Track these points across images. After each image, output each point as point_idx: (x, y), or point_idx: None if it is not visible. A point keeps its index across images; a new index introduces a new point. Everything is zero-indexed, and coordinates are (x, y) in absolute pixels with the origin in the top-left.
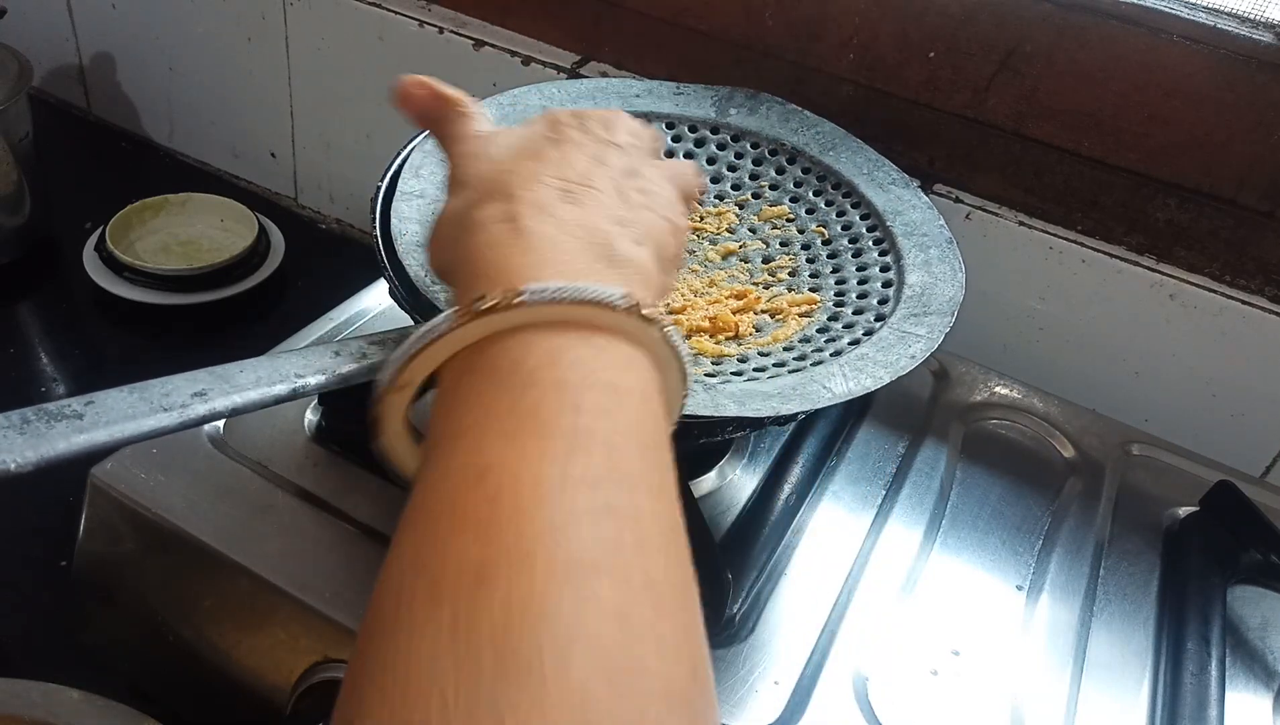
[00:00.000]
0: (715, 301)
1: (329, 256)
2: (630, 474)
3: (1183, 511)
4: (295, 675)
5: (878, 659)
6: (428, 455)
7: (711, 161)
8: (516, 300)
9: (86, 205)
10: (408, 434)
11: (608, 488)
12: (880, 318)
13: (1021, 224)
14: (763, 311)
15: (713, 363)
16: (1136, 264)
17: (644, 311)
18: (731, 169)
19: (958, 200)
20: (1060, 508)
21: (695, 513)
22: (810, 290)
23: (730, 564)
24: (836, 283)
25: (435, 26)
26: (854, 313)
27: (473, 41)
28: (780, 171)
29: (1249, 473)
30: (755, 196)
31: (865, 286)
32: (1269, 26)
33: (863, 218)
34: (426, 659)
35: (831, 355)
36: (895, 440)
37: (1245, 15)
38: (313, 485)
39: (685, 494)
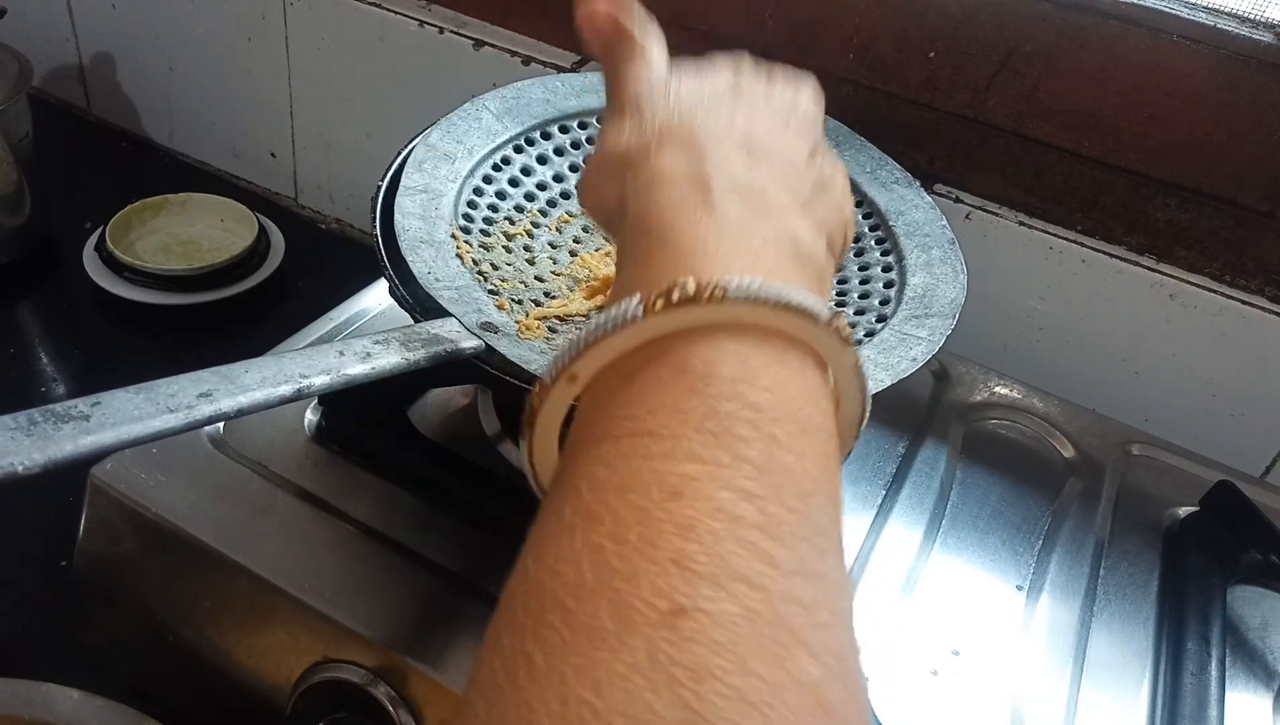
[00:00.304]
0: None
1: (329, 256)
2: (822, 531)
3: (1183, 511)
4: (295, 675)
5: (878, 659)
6: (590, 449)
7: None
8: (719, 294)
9: (86, 205)
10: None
11: (804, 547)
12: (882, 319)
13: (1021, 224)
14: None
15: None
16: (1136, 264)
17: (843, 331)
18: None
19: (958, 200)
20: (1060, 508)
21: None
22: None
23: None
24: (838, 283)
25: (435, 26)
26: (855, 313)
27: (473, 41)
28: None
29: (1249, 473)
30: None
31: (867, 287)
32: (1269, 26)
33: (865, 217)
34: (619, 693)
35: None
36: (895, 440)
37: (1245, 15)
38: (313, 485)
39: None
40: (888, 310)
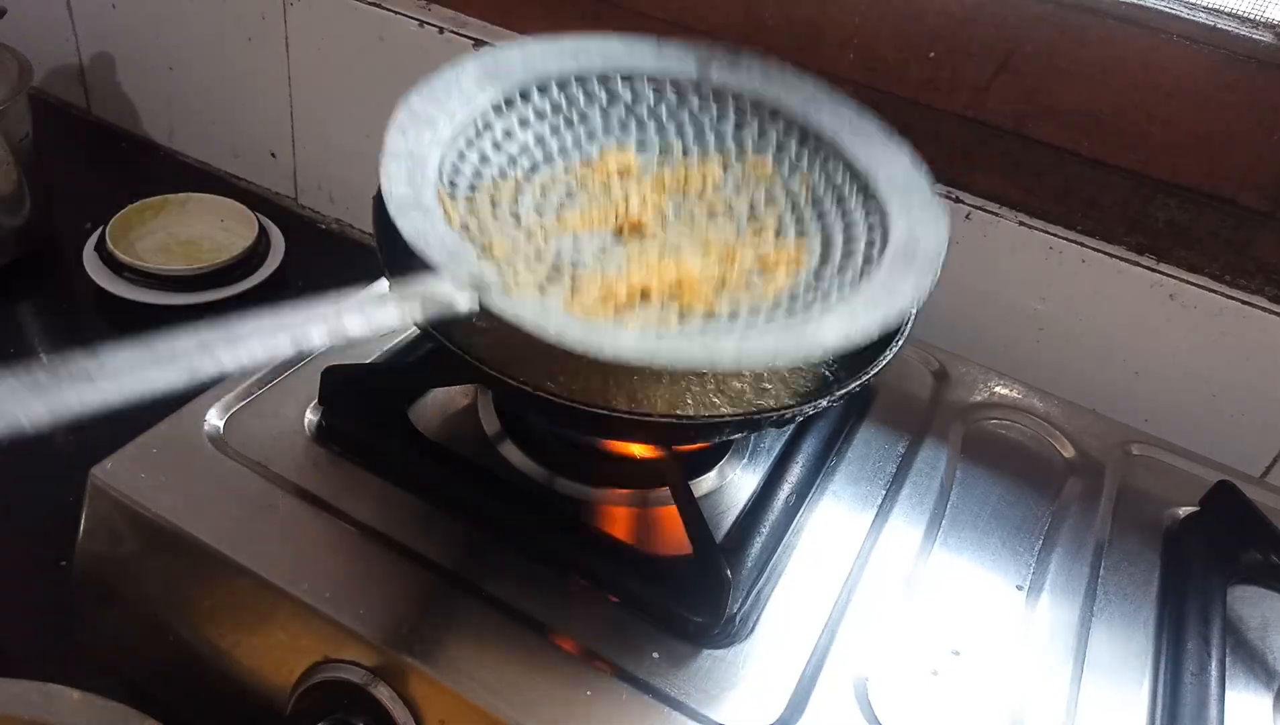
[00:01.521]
0: (693, 257)
1: (329, 256)
2: None
3: (1183, 511)
4: (295, 675)
5: (878, 659)
6: None
7: (694, 118)
8: None
9: (86, 205)
10: None
11: None
12: (866, 271)
13: (1021, 224)
14: (749, 267)
15: (703, 318)
16: (1136, 264)
17: None
18: (714, 126)
19: (958, 200)
20: (1060, 508)
21: (695, 512)
22: (798, 239)
23: (730, 564)
24: (822, 237)
25: (435, 26)
26: (840, 266)
27: (473, 41)
28: (762, 128)
29: (1249, 473)
30: (739, 153)
31: (850, 241)
32: (1269, 26)
33: (846, 172)
34: None
35: (820, 309)
36: (895, 440)
37: (1245, 15)
38: (313, 485)
39: (685, 494)
40: (871, 263)
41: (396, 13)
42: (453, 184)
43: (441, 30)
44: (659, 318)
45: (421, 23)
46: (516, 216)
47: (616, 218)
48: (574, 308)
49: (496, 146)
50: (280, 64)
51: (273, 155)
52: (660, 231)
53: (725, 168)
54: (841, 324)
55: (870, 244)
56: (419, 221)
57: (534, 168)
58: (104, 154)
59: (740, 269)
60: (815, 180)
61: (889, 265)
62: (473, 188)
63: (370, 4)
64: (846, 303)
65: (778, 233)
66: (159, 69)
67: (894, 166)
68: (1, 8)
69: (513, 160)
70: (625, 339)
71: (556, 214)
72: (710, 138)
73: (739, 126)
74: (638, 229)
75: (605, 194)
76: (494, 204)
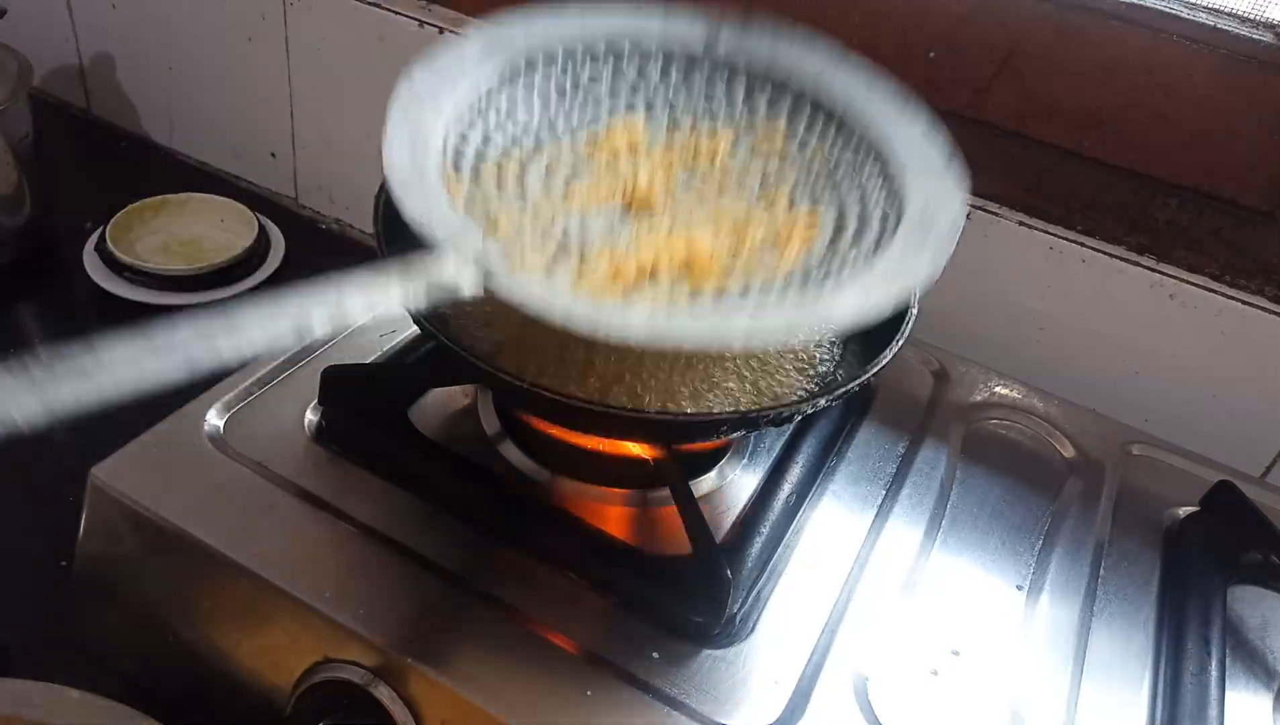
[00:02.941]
0: (703, 232)
1: (329, 256)
2: None
3: (1183, 511)
4: (295, 675)
5: (878, 659)
6: None
7: (703, 89)
8: None
9: (86, 205)
10: None
11: None
12: (880, 244)
13: (1021, 224)
14: (762, 242)
15: (714, 296)
16: (1136, 264)
17: None
18: (724, 96)
19: None
20: (1060, 508)
21: (695, 512)
22: (811, 209)
23: (730, 564)
24: (837, 209)
25: (435, 26)
26: (854, 237)
27: None
28: (773, 97)
29: (1249, 473)
30: (749, 124)
31: (865, 213)
32: (1269, 26)
33: (859, 142)
34: None
35: (833, 284)
36: (895, 440)
37: (1245, 15)
38: (313, 485)
39: (685, 494)
40: (886, 233)
41: (396, 13)
42: (457, 161)
43: (441, 30)
44: (669, 296)
45: (421, 23)
46: (522, 193)
47: (624, 193)
48: (581, 287)
49: (501, 122)
50: (280, 64)
51: (273, 155)
52: (670, 207)
53: (736, 139)
54: (855, 299)
55: (885, 216)
56: (422, 201)
57: (539, 143)
58: (104, 154)
59: (752, 244)
60: (829, 150)
61: (904, 238)
62: (477, 164)
63: (370, 4)
64: (860, 278)
65: (791, 206)
66: (159, 69)
67: (909, 135)
68: (2, 8)
69: (517, 136)
70: (634, 318)
71: (563, 190)
72: (720, 108)
73: (749, 96)
74: (646, 204)
75: (612, 168)
76: (499, 180)
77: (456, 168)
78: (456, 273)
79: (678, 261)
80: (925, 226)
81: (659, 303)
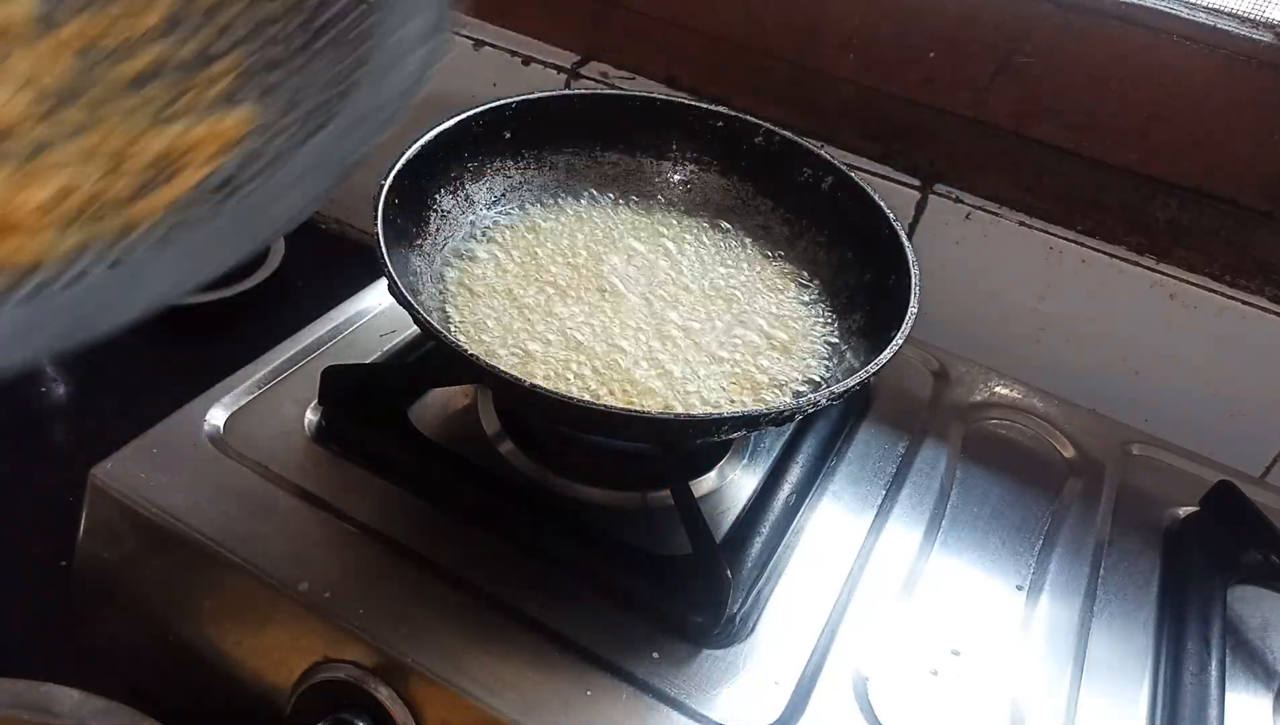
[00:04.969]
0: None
1: (329, 256)
2: None
3: (1183, 511)
4: (295, 675)
5: (878, 659)
6: None
7: None
8: None
9: None
10: None
11: None
12: (306, 139)
13: (1021, 224)
14: (145, 168)
15: (23, 279)
16: (1136, 264)
17: None
18: None
19: (958, 200)
20: (1060, 508)
21: (695, 512)
22: (261, 99)
23: (730, 564)
24: (292, 91)
25: None
26: (283, 138)
27: (473, 41)
28: None
29: (1249, 473)
30: None
31: (314, 93)
32: (1269, 26)
33: None
34: None
35: (174, 238)
36: (895, 440)
37: (1245, 15)
38: (313, 485)
39: (685, 494)
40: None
41: None
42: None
43: None
44: None
45: None
46: None
47: None
48: None
49: None
50: None
51: None
52: (36, 127)
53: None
54: (168, 274)
55: (336, 84)
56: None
57: None
58: None
59: (131, 175)
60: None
61: (334, 128)
62: None
63: None
64: (226, 210)
65: (231, 94)
66: None
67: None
68: None
69: None
70: None
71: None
72: None
73: None
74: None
75: None
76: None
77: None
78: None
79: None
80: (369, 101)
81: None
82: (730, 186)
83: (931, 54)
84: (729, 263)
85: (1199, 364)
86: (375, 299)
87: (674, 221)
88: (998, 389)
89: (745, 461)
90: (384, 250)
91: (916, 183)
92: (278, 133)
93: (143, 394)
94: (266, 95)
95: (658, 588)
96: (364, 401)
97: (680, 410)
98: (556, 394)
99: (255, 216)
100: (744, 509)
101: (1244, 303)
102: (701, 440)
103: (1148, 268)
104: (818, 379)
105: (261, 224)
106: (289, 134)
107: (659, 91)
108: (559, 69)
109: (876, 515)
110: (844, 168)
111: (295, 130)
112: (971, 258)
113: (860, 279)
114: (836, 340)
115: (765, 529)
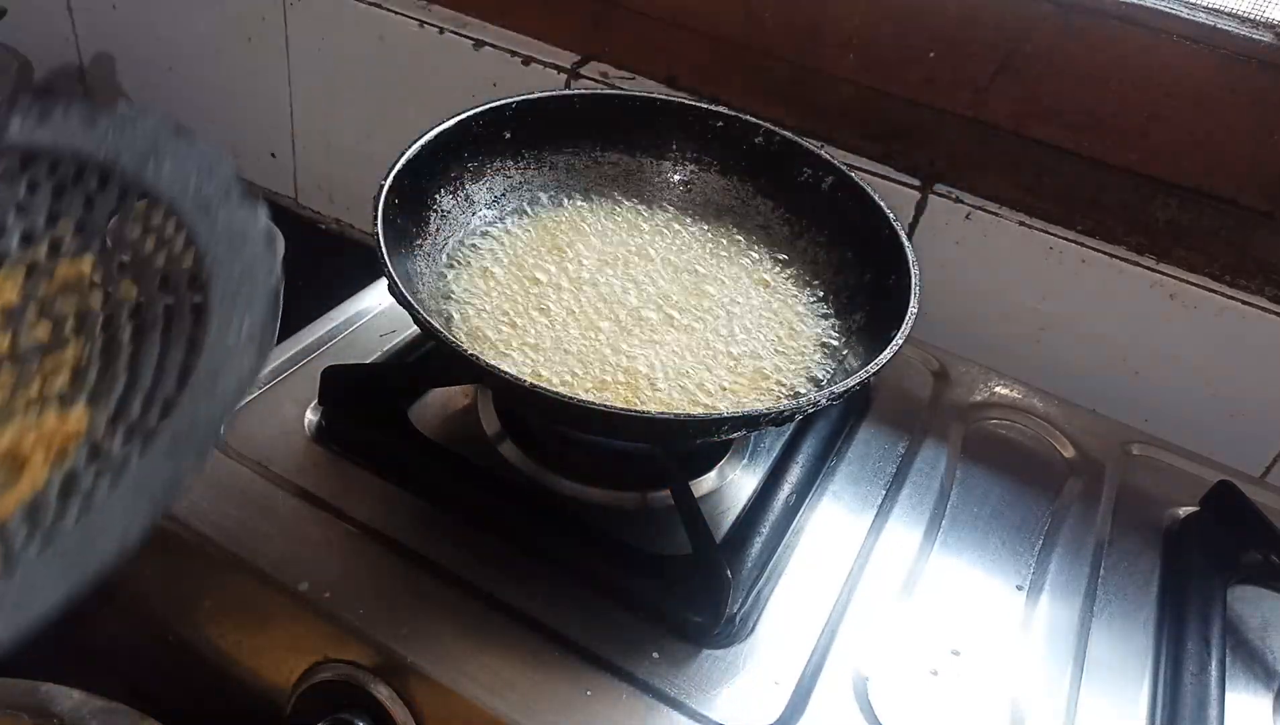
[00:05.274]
0: None
1: (329, 256)
2: None
3: (1183, 511)
4: (295, 675)
5: (878, 659)
6: None
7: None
8: None
9: None
10: None
11: None
12: (136, 455)
13: (1021, 224)
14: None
15: None
16: (1136, 264)
17: None
18: (21, 211)
19: (958, 200)
20: (1060, 508)
21: (695, 512)
22: (90, 403)
23: (730, 564)
24: (128, 381)
25: (435, 26)
26: (122, 441)
27: (473, 41)
28: (88, 204)
29: (1249, 473)
30: (52, 251)
31: (157, 386)
32: (1269, 26)
33: (187, 263)
34: None
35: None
36: (895, 440)
37: (1245, 15)
38: (313, 485)
39: (685, 494)
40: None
41: (396, 13)
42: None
43: (441, 30)
44: None
45: (421, 23)
46: None
47: None
48: None
49: None
50: (280, 64)
51: (273, 155)
52: None
53: (31, 273)
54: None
55: (179, 382)
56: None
57: None
58: None
59: None
60: (147, 279)
61: (164, 439)
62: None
63: (370, 4)
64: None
65: (74, 380)
66: (159, 69)
67: (247, 251)
68: (2, 8)
69: None
70: None
71: None
72: (13, 230)
73: (56, 205)
74: None
75: None
76: None
77: None
78: None
79: None
80: (193, 413)
81: None
82: (730, 186)
83: (931, 54)
84: (729, 263)
85: (1199, 364)
86: (375, 299)
87: (674, 222)
88: (998, 389)
89: (745, 461)
90: (384, 250)
91: (916, 183)
92: (104, 446)
93: None
94: (97, 396)
95: (658, 588)
96: (364, 401)
97: (680, 410)
98: (557, 394)
99: (82, 551)
100: (744, 509)
101: (1244, 303)
102: (701, 440)
103: (1148, 268)
104: (818, 379)
105: (89, 559)
106: (117, 445)
107: (659, 91)
108: (559, 69)
109: (876, 515)
110: (844, 168)
111: (119, 444)
112: (971, 258)
113: (860, 279)
114: (836, 340)
115: (765, 529)
